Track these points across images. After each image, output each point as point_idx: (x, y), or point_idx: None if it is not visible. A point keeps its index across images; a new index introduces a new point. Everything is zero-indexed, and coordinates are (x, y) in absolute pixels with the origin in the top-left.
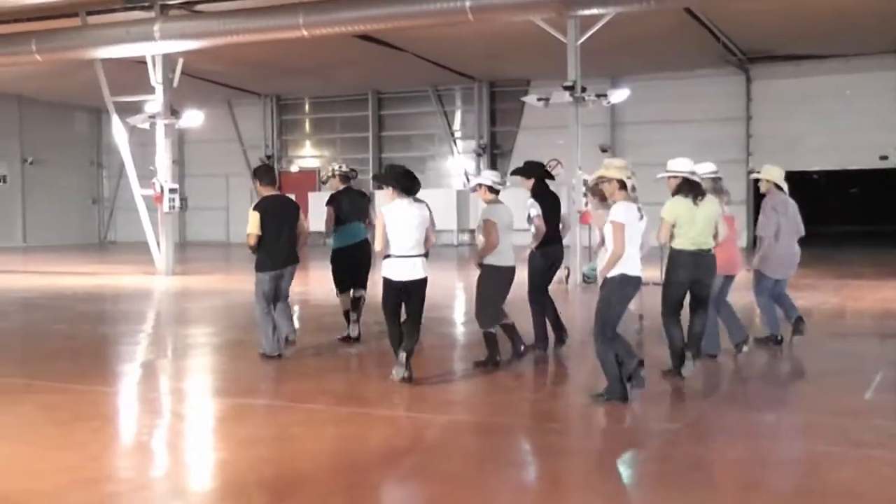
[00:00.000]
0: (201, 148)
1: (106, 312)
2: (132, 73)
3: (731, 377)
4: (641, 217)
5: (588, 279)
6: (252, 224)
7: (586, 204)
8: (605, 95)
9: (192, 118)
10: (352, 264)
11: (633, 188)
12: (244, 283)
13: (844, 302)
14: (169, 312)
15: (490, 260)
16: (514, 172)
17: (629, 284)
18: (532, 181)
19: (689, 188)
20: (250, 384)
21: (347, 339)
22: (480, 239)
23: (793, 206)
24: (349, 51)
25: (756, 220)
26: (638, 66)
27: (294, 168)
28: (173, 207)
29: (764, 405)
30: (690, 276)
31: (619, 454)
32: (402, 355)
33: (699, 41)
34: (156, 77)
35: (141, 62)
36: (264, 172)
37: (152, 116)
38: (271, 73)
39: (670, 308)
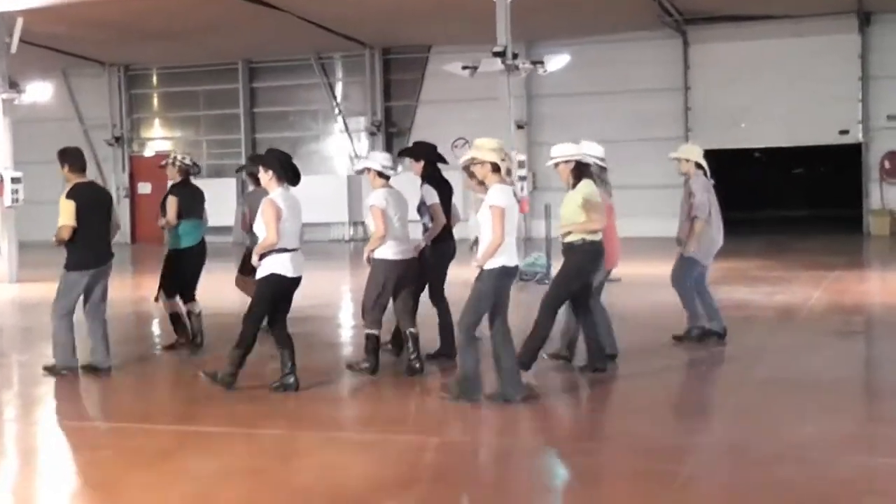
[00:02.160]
0: (29, 128)
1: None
2: None
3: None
4: (518, 200)
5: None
6: (67, 214)
7: (522, 189)
8: (541, 62)
9: (39, 92)
10: (192, 266)
11: (509, 171)
12: (135, 288)
13: (831, 296)
14: (31, 328)
15: (381, 253)
16: (402, 153)
17: (508, 276)
18: (422, 164)
19: (588, 171)
20: (179, 409)
21: (173, 347)
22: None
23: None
24: (215, 10)
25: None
26: (558, 27)
27: (148, 151)
28: (16, 200)
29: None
30: (593, 269)
31: (666, 475)
32: (289, 365)
33: None
34: None
35: None
36: (74, 156)
37: None
38: (119, 37)
39: (559, 304)
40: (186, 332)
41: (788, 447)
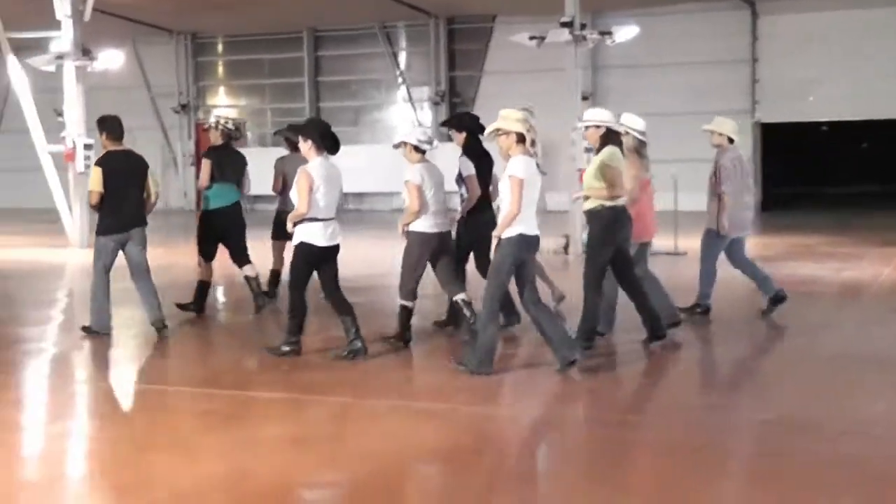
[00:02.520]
0: (98, 96)
1: (19, 294)
2: (26, 4)
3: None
4: (541, 172)
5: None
6: (95, 181)
7: (588, 161)
8: (609, 33)
9: (110, 59)
10: (225, 229)
11: (534, 142)
12: (179, 254)
13: None
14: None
15: (416, 226)
16: (444, 123)
17: (528, 245)
18: (464, 135)
19: (618, 142)
20: (246, 375)
21: (184, 307)
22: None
23: (745, 161)
24: None
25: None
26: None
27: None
28: (88, 167)
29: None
30: (623, 237)
31: (717, 449)
32: (353, 329)
33: None
34: (63, 9)
35: None
36: (112, 125)
37: (60, 57)
38: (188, 5)
39: (600, 274)
40: (203, 301)
41: (855, 423)
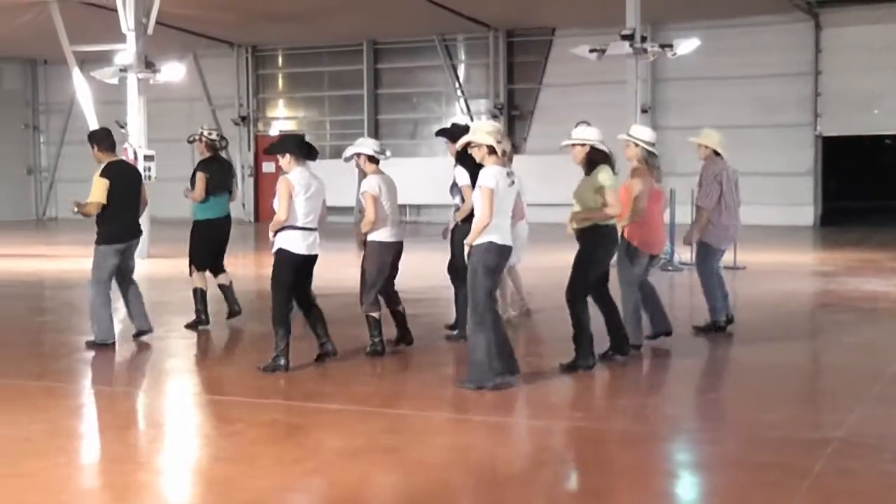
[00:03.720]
0: (159, 108)
1: (81, 304)
2: (90, 18)
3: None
4: (512, 183)
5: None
6: (99, 192)
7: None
8: (669, 46)
9: (173, 72)
10: (217, 240)
11: (505, 153)
12: (238, 265)
13: None
14: (162, 303)
15: (376, 236)
16: (440, 133)
17: (499, 254)
18: (456, 145)
19: (605, 159)
20: (303, 386)
21: (195, 325)
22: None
23: (734, 173)
24: None
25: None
26: (685, 10)
27: (273, 131)
28: (149, 178)
29: None
30: (610, 254)
31: (783, 467)
32: (325, 340)
33: None
34: (127, 22)
35: (98, 5)
36: (103, 137)
37: (123, 69)
38: (248, 18)
39: (586, 291)
40: (206, 311)
41: None
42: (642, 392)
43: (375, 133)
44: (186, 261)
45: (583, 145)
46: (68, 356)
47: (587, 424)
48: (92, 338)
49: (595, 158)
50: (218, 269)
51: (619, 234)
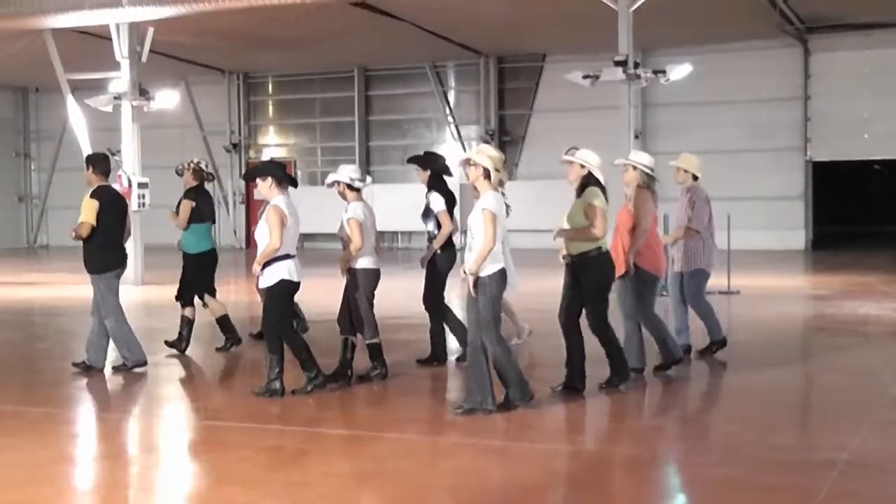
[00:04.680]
0: (151, 135)
1: (83, 329)
2: (83, 46)
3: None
4: (508, 214)
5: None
6: (89, 213)
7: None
8: (662, 72)
9: (167, 99)
10: (210, 272)
11: (501, 182)
12: (232, 293)
13: None
14: (158, 329)
15: (361, 263)
16: (411, 160)
17: (503, 280)
18: (427, 173)
19: (597, 182)
20: (304, 411)
21: (175, 345)
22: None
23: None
24: (335, 20)
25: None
26: (676, 36)
27: (265, 158)
28: (143, 205)
29: None
30: (612, 279)
31: (802, 490)
32: (276, 371)
33: (749, 5)
34: (121, 50)
35: (91, 34)
36: (101, 161)
37: (118, 97)
38: (239, 45)
39: (605, 315)
40: (236, 331)
41: None
42: (644, 415)
43: (367, 160)
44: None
45: (582, 166)
46: (67, 383)
47: (592, 448)
48: (121, 363)
49: (589, 182)
50: (189, 301)
51: (632, 262)
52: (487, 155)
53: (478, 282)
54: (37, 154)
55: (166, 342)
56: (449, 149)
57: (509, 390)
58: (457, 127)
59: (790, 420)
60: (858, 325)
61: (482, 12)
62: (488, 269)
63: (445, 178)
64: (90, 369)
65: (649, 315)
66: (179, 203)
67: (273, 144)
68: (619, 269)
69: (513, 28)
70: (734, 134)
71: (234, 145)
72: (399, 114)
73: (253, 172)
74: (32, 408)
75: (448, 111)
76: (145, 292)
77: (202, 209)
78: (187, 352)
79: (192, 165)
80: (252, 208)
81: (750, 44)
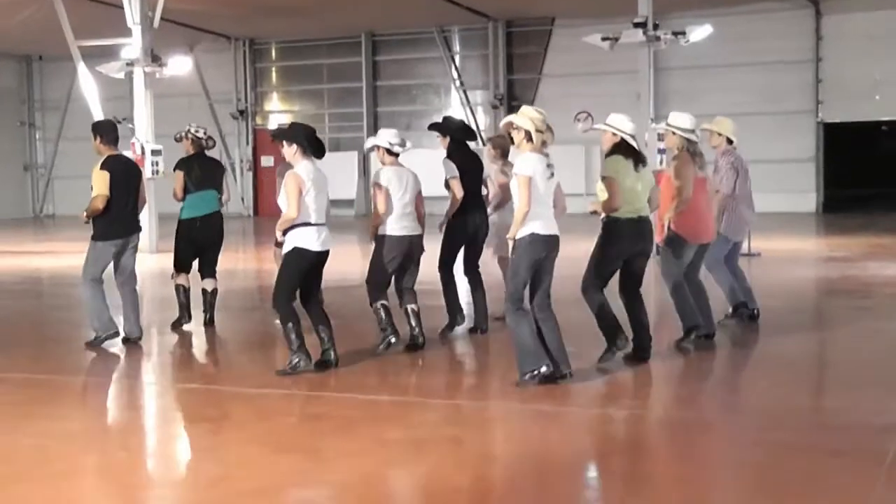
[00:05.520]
0: (157, 103)
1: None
2: (92, 12)
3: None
4: (552, 175)
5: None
6: (101, 184)
7: (661, 162)
8: (682, 33)
9: (179, 65)
10: (200, 238)
11: (544, 143)
12: (239, 261)
13: None
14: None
15: (386, 229)
16: (431, 127)
17: (543, 244)
18: (448, 139)
19: (629, 152)
20: (349, 378)
21: (179, 325)
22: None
23: (746, 162)
24: None
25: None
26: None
27: (272, 125)
28: (156, 172)
29: None
30: (632, 249)
31: (871, 453)
32: (328, 341)
33: None
34: (133, 16)
35: (99, 0)
36: (108, 129)
37: (130, 64)
38: (247, 12)
39: (599, 282)
40: (186, 311)
41: None
42: (692, 380)
43: (374, 125)
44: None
45: (613, 134)
46: (91, 352)
47: (646, 413)
48: (92, 337)
49: (618, 147)
50: (206, 272)
51: (667, 225)
52: (529, 117)
53: (514, 245)
54: (41, 123)
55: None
56: (457, 115)
57: (520, 363)
58: (465, 92)
59: (837, 383)
60: (887, 286)
61: None
62: (520, 232)
63: (469, 143)
64: (127, 341)
65: (675, 282)
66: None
67: (280, 111)
68: (658, 236)
69: None
70: (745, 98)
71: (241, 112)
72: (407, 79)
73: (280, 134)
74: (66, 376)
75: (456, 76)
76: (160, 260)
77: (195, 176)
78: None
79: (190, 134)
80: (260, 176)
81: (762, 6)
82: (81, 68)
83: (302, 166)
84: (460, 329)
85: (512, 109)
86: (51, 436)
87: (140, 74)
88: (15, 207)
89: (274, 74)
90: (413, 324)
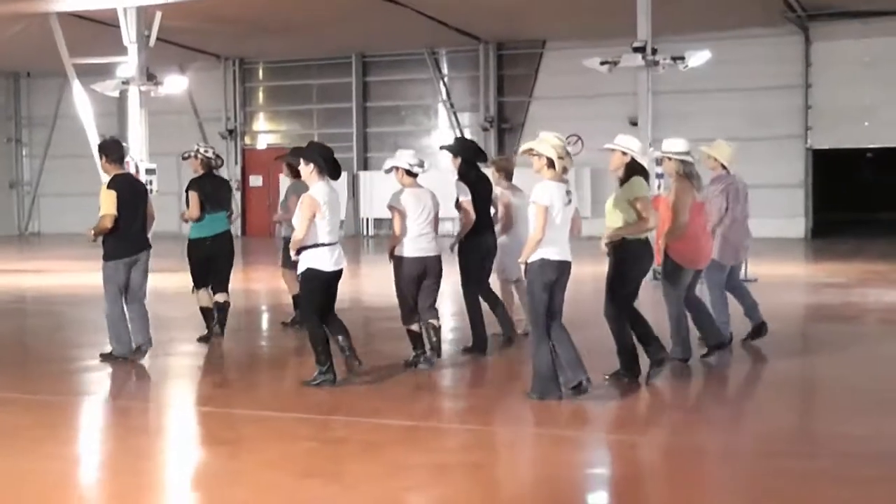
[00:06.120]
0: (149, 121)
1: (91, 321)
2: (87, 31)
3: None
4: (570, 201)
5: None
6: (108, 204)
7: (659, 187)
8: (681, 58)
9: (175, 84)
10: (212, 258)
11: (565, 170)
12: (247, 280)
13: None
14: (172, 318)
15: (400, 250)
16: (443, 148)
17: (553, 269)
18: (459, 160)
19: (644, 172)
20: (367, 402)
21: (207, 339)
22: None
23: (744, 186)
24: (337, 5)
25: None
26: (676, 23)
27: (261, 144)
28: (151, 191)
29: None
30: (647, 269)
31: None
32: (348, 349)
33: None
34: (129, 34)
35: (90, 18)
36: (113, 148)
37: (125, 82)
38: (239, 31)
39: (625, 307)
40: (212, 323)
41: None
42: (710, 406)
43: (364, 146)
44: (188, 276)
45: (624, 153)
46: (100, 371)
47: (668, 439)
48: (108, 350)
49: (635, 168)
50: (218, 287)
51: (663, 250)
52: (551, 144)
53: (525, 269)
54: (28, 140)
55: (201, 336)
56: (447, 136)
57: (534, 385)
58: (455, 114)
59: (853, 409)
60: (889, 312)
61: None
62: (532, 257)
63: (479, 164)
64: (138, 350)
65: (672, 307)
66: (187, 195)
67: (269, 131)
68: (657, 259)
69: (512, 14)
70: (735, 122)
71: (230, 132)
72: (397, 100)
73: (298, 153)
74: (73, 397)
75: (446, 98)
76: (153, 279)
77: (209, 197)
78: (224, 339)
79: (199, 154)
80: (249, 196)
81: (751, 31)
82: (76, 86)
83: (318, 187)
84: (495, 344)
85: (502, 132)
86: (64, 459)
87: (135, 93)
88: (0, 225)
89: (264, 94)
90: (433, 339)
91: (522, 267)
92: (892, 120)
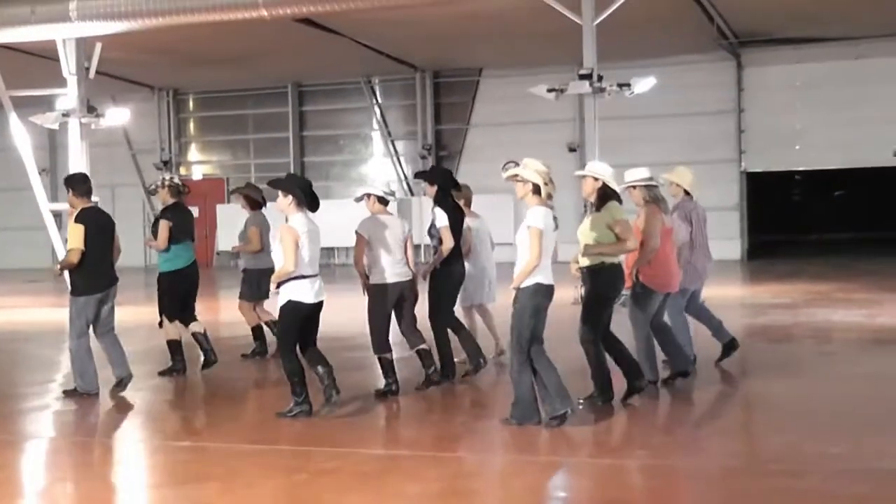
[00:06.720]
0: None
1: (60, 355)
2: (26, 62)
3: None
4: (556, 227)
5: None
6: (76, 238)
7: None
8: (627, 85)
9: (116, 116)
10: (188, 289)
11: (550, 196)
12: (209, 311)
13: None
14: (144, 350)
15: (375, 278)
16: (418, 175)
17: (544, 295)
18: (435, 188)
19: (617, 197)
20: (342, 433)
21: (170, 373)
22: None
23: (703, 210)
24: (268, 33)
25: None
26: (613, 51)
27: (196, 175)
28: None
29: None
30: (619, 292)
31: (890, 500)
32: (327, 378)
33: (686, 20)
34: (69, 66)
35: (25, 51)
36: (80, 181)
37: (66, 114)
38: (174, 62)
39: (600, 331)
40: (183, 360)
41: None
42: (690, 427)
43: (303, 175)
44: (155, 309)
45: (596, 179)
46: (68, 410)
47: (654, 462)
48: (72, 387)
49: (607, 193)
50: (188, 318)
51: (634, 274)
52: (535, 170)
53: (516, 294)
54: None
55: (163, 370)
56: (385, 165)
57: (515, 409)
58: (392, 142)
59: (835, 428)
60: (841, 332)
61: (418, 26)
62: (525, 282)
63: (453, 192)
64: (120, 384)
65: (639, 330)
66: (156, 223)
67: (204, 161)
68: (627, 283)
69: (448, 42)
70: (672, 147)
71: (165, 163)
72: (334, 129)
73: (277, 184)
74: (42, 438)
75: (384, 126)
76: None
77: (179, 227)
78: (209, 368)
79: (166, 182)
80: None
81: (687, 58)
82: (13, 119)
83: (296, 218)
84: (462, 373)
85: (440, 159)
86: (54, 499)
87: (76, 125)
88: None
89: (198, 125)
90: (425, 364)
91: (513, 293)
92: (821, 143)
